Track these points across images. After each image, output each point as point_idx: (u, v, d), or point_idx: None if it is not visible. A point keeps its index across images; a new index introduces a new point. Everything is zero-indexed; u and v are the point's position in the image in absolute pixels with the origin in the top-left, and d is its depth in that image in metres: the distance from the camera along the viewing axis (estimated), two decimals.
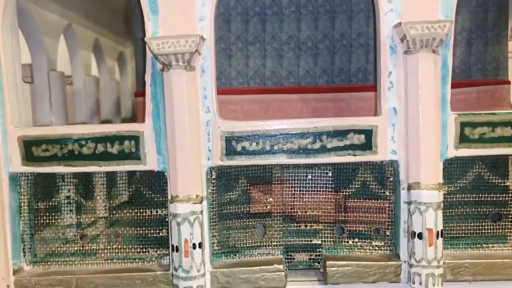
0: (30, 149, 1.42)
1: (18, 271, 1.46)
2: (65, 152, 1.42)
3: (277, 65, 1.80)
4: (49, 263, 1.50)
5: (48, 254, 1.51)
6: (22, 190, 1.48)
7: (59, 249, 1.52)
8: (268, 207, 1.51)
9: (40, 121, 2.11)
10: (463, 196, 1.48)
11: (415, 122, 1.34)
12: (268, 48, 1.79)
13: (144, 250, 1.50)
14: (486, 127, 1.39)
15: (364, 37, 1.80)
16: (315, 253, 1.50)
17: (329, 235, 1.50)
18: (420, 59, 1.33)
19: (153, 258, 1.49)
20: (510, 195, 1.49)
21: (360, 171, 1.47)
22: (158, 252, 1.49)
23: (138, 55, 1.77)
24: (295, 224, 1.51)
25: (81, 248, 1.52)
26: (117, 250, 1.50)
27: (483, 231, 1.49)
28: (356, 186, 1.48)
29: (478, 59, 1.92)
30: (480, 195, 1.48)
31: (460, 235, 1.48)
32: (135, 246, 1.50)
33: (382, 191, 1.46)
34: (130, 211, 1.51)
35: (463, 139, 1.39)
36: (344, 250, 1.49)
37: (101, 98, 2.76)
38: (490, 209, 1.49)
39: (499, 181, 1.48)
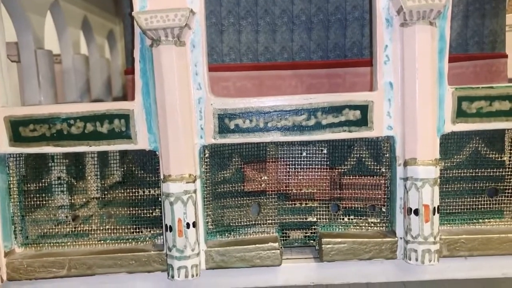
0: (18, 129, 1.39)
1: (10, 254, 1.44)
2: (53, 132, 1.38)
3: (270, 40, 1.76)
4: (41, 245, 1.48)
5: (40, 235, 1.49)
6: (11, 172, 1.45)
7: (51, 230, 1.50)
8: (262, 185, 1.48)
9: (29, 101, 2.07)
10: (459, 171, 1.46)
11: (412, 96, 1.32)
12: (261, 22, 1.74)
13: (137, 230, 1.48)
14: (484, 101, 1.37)
15: (359, 10, 1.75)
16: (310, 231, 1.49)
17: (324, 212, 1.49)
18: (417, 32, 1.29)
19: (147, 238, 1.48)
20: (506, 169, 1.47)
21: (356, 148, 1.45)
22: (152, 232, 1.47)
23: (127, 31, 1.72)
24: (290, 202, 1.50)
25: (74, 229, 1.50)
26: (110, 231, 1.48)
27: (480, 206, 1.48)
28: (352, 163, 1.46)
29: (475, 32, 1.88)
30: (476, 170, 1.47)
31: (456, 210, 1.47)
32: (128, 227, 1.48)
33: (378, 167, 1.44)
34: (123, 191, 1.48)
35: (460, 114, 1.37)
36: (340, 227, 1.47)
37: (91, 77, 2.71)
38: (487, 184, 1.48)
39: (496, 155, 1.46)
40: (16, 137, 1.39)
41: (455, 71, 1.72)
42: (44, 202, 1.49)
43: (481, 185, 1.48)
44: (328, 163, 1.47)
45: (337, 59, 1.78)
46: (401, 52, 1.33)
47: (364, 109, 1.35)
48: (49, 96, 2.10)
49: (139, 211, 1.47)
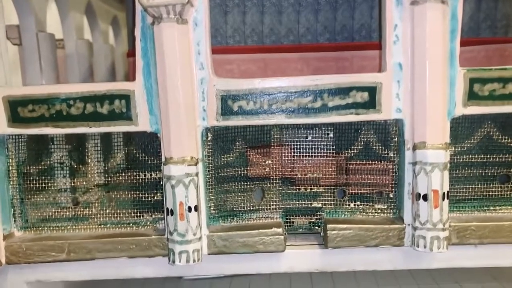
0: (16, 109, 1.36)
1: (9, 237, 1.42)
2: (52, 112, 1.35)
3: (276, 22, 1.71)
4: (40, 228, 1.45)
5: (40, 219, 1.47)
6: (10, 153, 1.42)
7: (51, 214, 1.48)
8: (266, 170, 1.45)
9: (31, 84, 2.04)
10: (470, 156, 1.42)
11: (422, 78, 1.27)
12: (266, 3, 1.70)
13: (138, 214, 1.45)
14: (497, 84, 1.32)
15: None
16: (315, 217, 1.45)
17: (330, 198, 1.45)
18: (428, 10, 1.24)
19: (148, 223, 1.45)
20: None
21: (363, 132, 1.41)
22: (153, 216, 1.44)
23: (129, 12, 1.69)
24: (295, 187, 1.46)
25: (74, 213, 1.47)
26: (110, 215, 1.46)
27: (490, 193, 1.43)
28: (359, 147, 1.42)
29: (487, 15, 1.82)
30: (488, 156, 1.42)
31: (467, 197, 1.43)
32: (129, 211, 1.45)
33: (386, 152, 1.40)
34: (123, 175, 1.46)
35: (472, 96, 1.32)
36: (346, 213, 1.44)
37: (94, 63, 2.67)
38: (498, 170, 1.43)
39: (509, 141, 1.41)
40: (14, 118, 1.36)
41: (467, 55, 1.66)
42: (44, 186, 1.47)
43: (493, 171, 1.43)
44: (334, 147, 1.43)
45: (344, 41, 1.74)
46: (411, 32, 1.28)
47: (372, 91, 1.31)
48: (51, 80, 2.06)
49: (140, 195, 1.44)
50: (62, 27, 2.45)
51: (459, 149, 1.41)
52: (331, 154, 1.43)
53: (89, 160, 1.48)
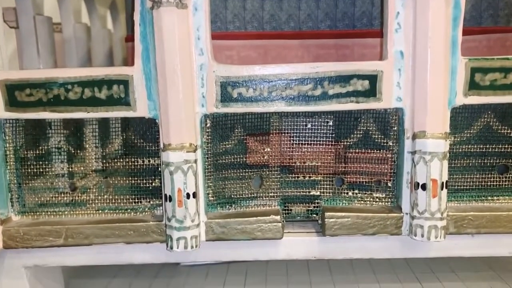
0: (13, 93, 1.34)
1: (6, 221, 1.41)
2: (50, 97, 1.33)
3: (276, 8, 1.69)
4: (38, 213, 1.45)
5: (37, 204, 1.46)
6: (7, 138, 1.41)
7: (48, 199, 1.47)
8: (265, 158, 1.44)
9: (28, 68, 2.01)
10: (469, 146, 1.42)
11: (423, 66, 1.26)
12: None
13: (136, 200, 1.45)
14: (498, 73, 1.31)
15: None
16: (313, 205, 1.45)
17: (328, 186, 1.45)
18: None
19: (146, 209, 1.44)
20: None
21: (363, 120, 1.40)
22: (151, 202, 1.44)
23: None
24: (293, 175, 1.45)
25: (72, 199, 1.47)
26: (108, 201, 1.45)
27: (489, 183, 1.43)
28: (358, 136, 1.42)
29: (489, 4, 1.81)
30: (487, 146, 1.42)
31: (465, 187, 1.43)
32: (127, 197, 1.45)
33: (385, 141, 1.39)
34: (122, 160, 1.45)
35: (472, 86, 1.31)
36: (344, 201, 1.44)
37: (92, 47, 2.64)
38: (497, 161, 1.43)
39: (508, 131, 1.41)
40: (12, 102, 1.34)
41: (468, 44, 1.65)
42: (42, 170, 1.46)
43: (491, 161, 1.43)
44: (333, 135, 1.42)
45: (345, 29, 1.72)
46: (413, 20, 1.26)
47: (373, 79, 1.30)
48: (49, 64, 2.04)
49: (138, 181, 1.44)
50: (59, 11, 2.42)
51: (458, 139, 1.40)
52: (330, 143, 1.43)
53: (87, 146, 1.47)
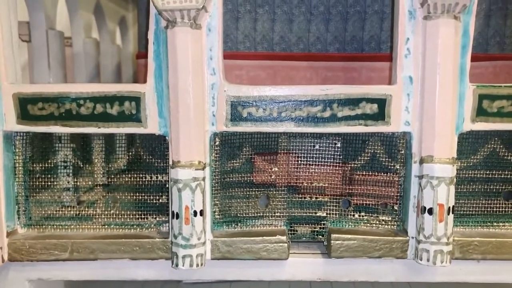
0: (26, 107, 1.36)
1: (12, 234, 1.41)
2: (62, 111, 1.35)
3: (286, 30, 1.72)
4: (44, 226, 1.45)
5: (44, 217, 1.47)
6: (17, 150, 1.42)
7: (55, 212, 1.48)
8: (272, 177, 1.45)
9: (38, 82, 2.04)
10: (475, 172, 1.42)
11: (432, 92, 1.27)
12: (278, 11, 1.71)
13: (142, 216, 1.45)
14: (506, 101, 1.32)
15: (379, 3, 1.71)
16: (319, 226, 1.45)
17: (334, 208, 1.45)
18: (441, 25, 1.25)
19: (152, 225, 1.44)
20: None
21: (370, 143, 1.41)
22: (158, 219, 1.44)
23: (141, 14, 1.69)
24: (300, 196, 1.46)
25: (78, 213, 1.47)
26: (114, 216, 1.46)
27: (495, 209, 1.44)
28: (365, 158, 1.43)
29: (496, 32, 1.83)
30: (493, 172, 1.43)
31: (471, 212, 1.43)
32: (134, 212, 1.45)
33: (392, 164, 1.40)
34: (129, 176, 1.45)
35: (480, 112, 1.32)
36: (350, 223, 1.44)
37: (101, 62, 2.68)
38: (503, 187, 1.44)
39: None
40: (24, 115, 1.36)
41: (475, 70, 1.66)
42: (49, 184, 1.47)
43: (497, 187, 1.44)
44: (341, 157, 1.43)
45: (354, 52, 1.74)
46: (423, 46, 1.29)
47: (381, 102, 1.31)
48: (59, 78, 2.07)
49: (145, 197, 1.44)
50: (70, 25, 2.46)
51: (464, 164, 1.41)
52: (337, 164, 1.43)
53: (95, 160, 1.48)
